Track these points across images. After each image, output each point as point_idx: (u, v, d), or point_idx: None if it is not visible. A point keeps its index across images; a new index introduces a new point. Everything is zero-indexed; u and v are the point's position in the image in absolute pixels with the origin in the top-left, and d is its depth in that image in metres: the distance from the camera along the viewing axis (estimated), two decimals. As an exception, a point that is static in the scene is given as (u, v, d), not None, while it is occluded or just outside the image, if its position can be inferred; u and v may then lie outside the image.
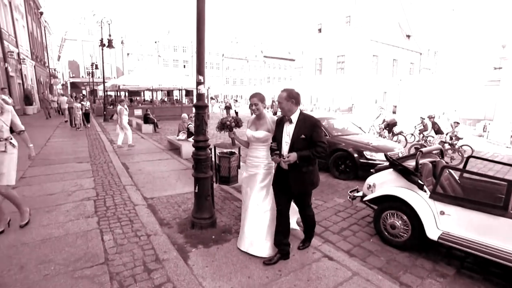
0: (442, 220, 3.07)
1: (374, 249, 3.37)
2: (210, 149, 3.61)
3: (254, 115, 3.03)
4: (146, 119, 14.10)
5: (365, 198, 3.78)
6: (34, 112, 20.31)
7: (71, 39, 44.34)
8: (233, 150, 4.31)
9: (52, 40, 43.62)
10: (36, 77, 25.67)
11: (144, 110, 16.25)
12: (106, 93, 19.85)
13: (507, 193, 2.74)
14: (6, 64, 16.86)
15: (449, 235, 2.96)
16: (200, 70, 3.25)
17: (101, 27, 17.41)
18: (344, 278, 2.65)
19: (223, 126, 3.13)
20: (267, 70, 65.55)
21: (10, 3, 19.13)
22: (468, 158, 4.14)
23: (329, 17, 35.57)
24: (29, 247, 3.04)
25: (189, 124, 8.47)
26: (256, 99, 2.88)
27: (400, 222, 3.35)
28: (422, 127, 10.34)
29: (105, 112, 17.77)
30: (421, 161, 3.48)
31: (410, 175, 3.35)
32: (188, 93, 26.81)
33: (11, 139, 3.38)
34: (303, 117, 2.73)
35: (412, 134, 11.40)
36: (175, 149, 8.84)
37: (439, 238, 2.94)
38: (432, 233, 3.01)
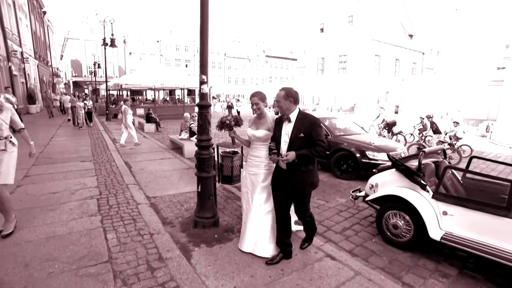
0: (444, 221, 3.07)
1: (376, 249, 3.38)
2: (213, 149, 3.62)
3: (255, 114, 3.03)
4: (148, 118, 14.15)
5: (368, 198, 3.78)
6: (37, 111, 20.41)
7: (74, 38, 44.54)
8: (235, 150, 4.33)
9: (55, 39, 43.82)
10: (39, 76, 25.80)
11: (146, 109, 16.30)
12: (108, 92, 19.92)
13: (510, 193, 2.73)
14: (9, 63, 16.96)
15: (452, 235, 2.96)
16: (203, 70, 3.26)
17: (104, 26, 17.46)
18: (347, 278, 2.66)
19: (222, 125, 3.12)
20: (269, 70, 65.55)
21: (14, 2, 19.21)
22: (471, 158, 4.13)
23: (331, 16, 35.51)
24: (33, 245, 3.06)
25: (191, 123, 8.49)
26: (257, 98, 2.86)
27: (402, 222, 3.34)
28: (421, 126, 10.36)
29: (107, 111, 17.85)
30: (423, 161, 3.48)
31: (412, 175, 3.35)
32: (190, 92, 26.83)
33: (11, 137, 3.34)
34: (302, 116, 2.69)
35: (411, 134, 11.44)
36: (177, 148, 8.86)
37: (441, 238, 2.94)
38: (435, 233, 3.01)
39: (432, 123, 9.82)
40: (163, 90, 28.86)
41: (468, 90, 21.66)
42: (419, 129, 10.47)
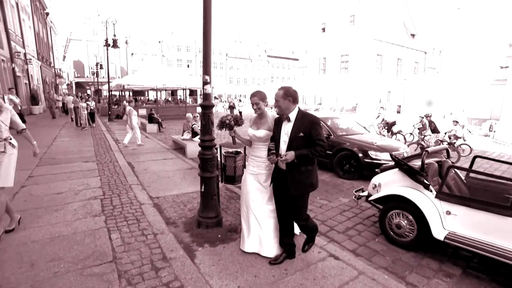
0: (448, 220, 3.06)
1: (379, 249, 3.38)
2: (216, 149, 3.63)
3: (256, 114, 3.02)
4: (151, 119, 14.21)
5: (371, 198, 3.78)
6: (40, 111, 20.52)
7: (76, 39, 44.76)
8: (238, 150, 4.33)
9: (57, 40, 44.01)
10: (42, 77, 25.93)
11: (149, 109, 16.37)
12: (110, 92, 19.99)
13: (514, 193, 2.73)
14: (13, 64, 17.07)
15: (456, 235, 2.95)
16: (206, 70, 3.27)
17: (106, 27, 17.53)
18: (350, 277, 2.66)
19: (222, 124, 3.10)
20: (271, 70, 65.55)
21: (17, 4, 19.34)
22: (474, 158, 4.12)
23: (333, 16, 35.49)
24: (38, 245, 3.09)
25: (194, 124, 8.52)
26: (257, 98, 2.83)
27: (405, 222, 3.34)
28: (421, 126, 10.37)
29: (109, 112, 17.91)
30: (427, 161, 3.48)
31: (416, 175, 3.35)
32: (192, 92, 26.94)
33: (11, 139, 3.26)
34: (302, 115, 2.65)
35: (411, 133, 11.46)
36: (179, 148, 8.89)
37: (445, 238, 2.94)
38: (438, 233, 3.00)
39: (431, 122, 9.88)
40: (165, 90, 28.98)
41: (471, 90, 21.57)
42: (418, 128, 10.49)
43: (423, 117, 10.29)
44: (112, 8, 52.40)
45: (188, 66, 54.87)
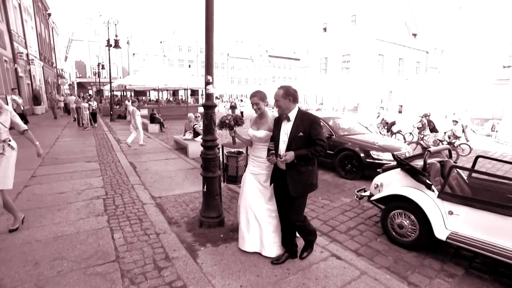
0: (450, 220, 3.06)
1: (381, 249, 3.38)
2: (218, 149, 3.64)
3: (256, 114, 3.01)
4: (152, 119, 14.24)
5: (373, 198, 3.78)
6: (42, 112, 20.62)
7: (78, 40, 44.89)
8: (240, 150, 4.35)
9: (59, 41, 44.14)
10: (44, 78, 26.05)
11: (150, 110, 16.39)
12: (112, 93, 20.05)
13: (516, 193, 2.73)
14: (16, 65, 17.16)
15: (458, 235, 2.95)
16: (208, 70, 3.28)
17: (108, 28, 17.59)
18: (352, 277, 2.66)
19: (222, 124, 3.10)
20: (272, 70, 65.54)
21: (19, 4, 19.43)
22: (476, 158, 4.11)
23: (334, 16, 35.43)
24: (42, 244, 3.11)
25: (195, 124, 8.53)
26: (257, 98, 2.82)
27: (407, 221, 3.34)
28: (420, 125, 10.36)
29: (111, 112, 17.97)
30: (429, 161, 3.47)
31: (418, 175, 3.34)
32: (194, 92, 26.98)
33: (10, 140, 3.23)
34: (302, 115, 2.63)
35: (410, 133, 11.46)
36: (181, 148, 8.91)
37: (447, 238, 2.94)
38: (441, 233, 3.00)
39: (429, 122, 9.91)
40: (167, 90, 29.04)
41: (473, 89, 21.50)
42: (418, 128, 10.48)
43: (422, 117, 10.30)
44: (113, 8, 52.64)
45: (189, 66, 54.95)
